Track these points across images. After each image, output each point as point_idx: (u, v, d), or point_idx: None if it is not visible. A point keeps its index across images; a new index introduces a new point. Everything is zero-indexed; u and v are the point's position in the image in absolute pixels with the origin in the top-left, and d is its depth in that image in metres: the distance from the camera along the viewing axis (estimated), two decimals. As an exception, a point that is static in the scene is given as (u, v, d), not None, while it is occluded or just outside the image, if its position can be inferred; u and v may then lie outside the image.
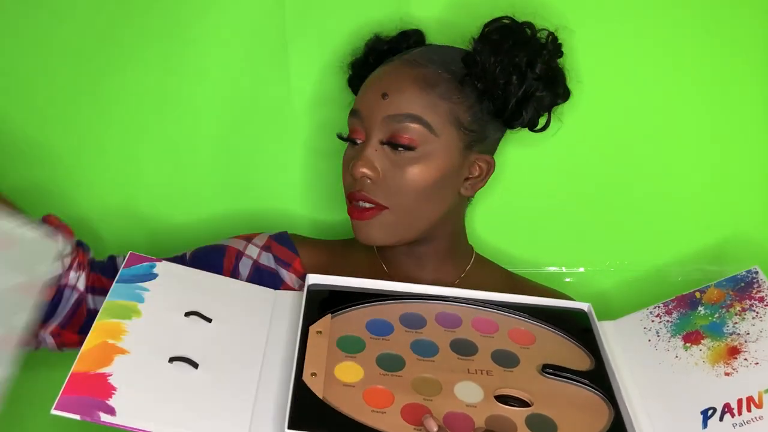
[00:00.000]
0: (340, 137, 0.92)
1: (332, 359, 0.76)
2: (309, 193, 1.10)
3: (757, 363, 0.75)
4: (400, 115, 0.86)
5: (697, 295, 0.86)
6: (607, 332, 0.85)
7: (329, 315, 0.82)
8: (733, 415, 0.72)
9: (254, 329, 0.81)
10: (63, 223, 0.90)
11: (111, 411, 0.65)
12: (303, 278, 0.94)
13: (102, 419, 0.64)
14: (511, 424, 0.72)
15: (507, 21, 0.90)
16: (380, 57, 0.96)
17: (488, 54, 0.87)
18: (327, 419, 0.70)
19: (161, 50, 1.03)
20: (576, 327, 0.85)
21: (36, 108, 1.05)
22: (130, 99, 1.04)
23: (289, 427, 0.68)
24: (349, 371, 0.76)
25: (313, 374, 0.74)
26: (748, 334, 0.78)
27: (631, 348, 0.84)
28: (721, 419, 0.72)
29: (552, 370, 0.78)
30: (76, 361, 0.68)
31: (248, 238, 0.96)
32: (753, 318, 0.80)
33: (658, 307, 0.87)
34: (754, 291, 0.82)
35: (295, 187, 1.10)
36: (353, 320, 0.82)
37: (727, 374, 0.76)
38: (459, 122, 0.88)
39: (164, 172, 1.08)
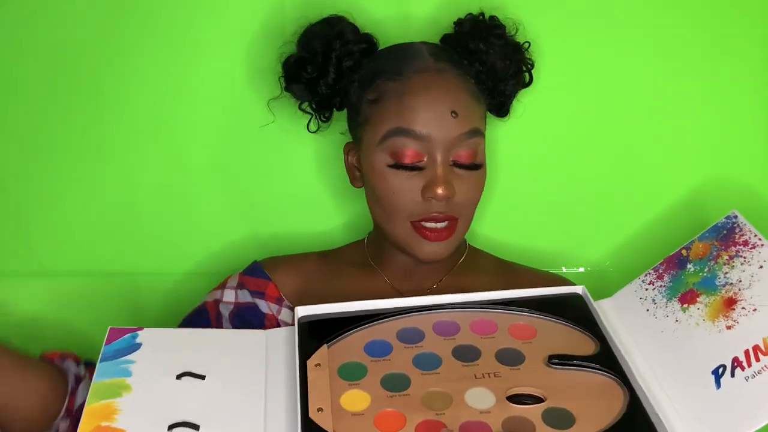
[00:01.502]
0: (397, 166, 0.85)
1: (336, 390, 0.75)
2: (313, 203, 1.10)
3: (755, 309, 0.75)
4: (468, 132, 0.85)
5: (684, 252, 0.86)
6: (605, 310, 0.85)
7: (325, 345, 0.80)
8: (743, 368, 0.72)
9: (250, 376, 0.79)
10: (65, 353, 0.89)
11: None
12: (278, 302, 0.93)
13: None
14: (529, 424, 0.71)
15: (489, 19, 0.93)
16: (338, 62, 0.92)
17: (497, 57, 0.90)
18: None
19: (158, 55, 1.03)
20: (574, 311, 0.84)
21: (29, 111, 1.05)
22: (125, 116, 1.05)
23: None
24: (356, 399, 0.74)
25: (320, 410, 0.73)
26: (740, 281, 0.78)
27: (631, 322, 0.83)
28: (732, 375, 0.72)
29: (558, 360, 0.78)
30: None
31: (222, 285, 0.96)
32: (741, 264, 0.80)
33: (649, 273, 0.87)
34: (737, 236, 0.82)
35: (298, 199, 1.10)
36: (350, 346, 0.81)
37: (728, 327, 0.76)
38: (485, 121, 0.90)
39: (161, 186, 1.08)
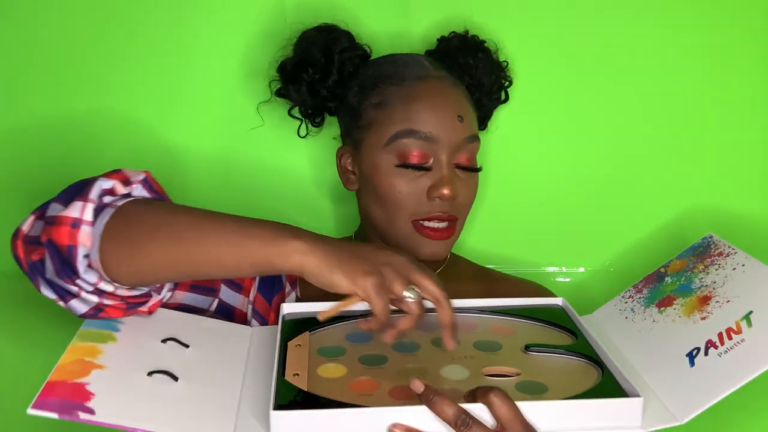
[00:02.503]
0: (404, 166, 0.88)
1: (314, 363, 0.76)
2: (306, 204, 1.11)
3: (728, 301, 0.77)
4: (470, 137, 0.90)
5: (662, 269, 0.88)
6: (585, 320, 0.86)
7: (307, 332, 0.82)
8: (716, 347, 0.72)
9: (233, 352, 0.80)
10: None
11: (90, 411, 0.63)
12: (293, 285, 0.94)
13: (81, 417, 0.62)
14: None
15: (473, 36, 1.00)
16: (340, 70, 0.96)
17: (484, 72, 0.98)
18: (313, 403, 0.69)
19: (156, 58, 1.06)
20: (554, 318, 0.85)
21: (29, 122, 1.06)
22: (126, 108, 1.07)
23: (275, 409, 0.66)
24: (333, 370, 0.75)
25: (296, 374, 0.73)
26: (715, 282, 0.80)
27: (610, 328, 0.85)
28: (706, 354, 0.72)
29: (535, 347, 0.78)
30: (51, 373, 0.66)
31: None
32: (716, 270, 0.82)
33: (629, 290, 0.89)
34: (713, 250, 0.85)
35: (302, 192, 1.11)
36: (332, 334, 0.82)
37: (703, 318, 0.77)
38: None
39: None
